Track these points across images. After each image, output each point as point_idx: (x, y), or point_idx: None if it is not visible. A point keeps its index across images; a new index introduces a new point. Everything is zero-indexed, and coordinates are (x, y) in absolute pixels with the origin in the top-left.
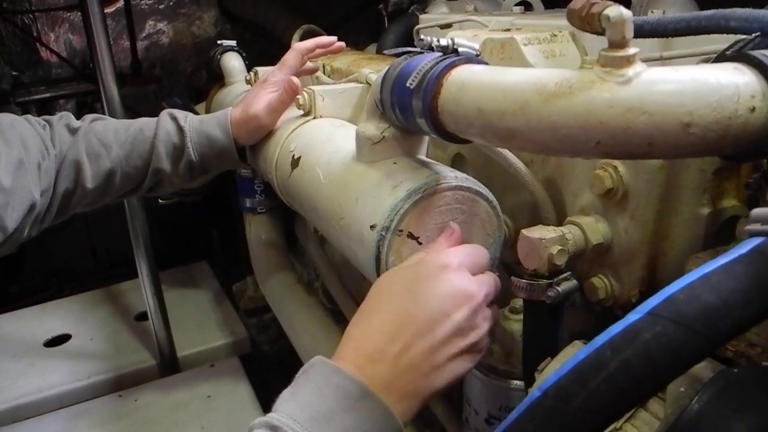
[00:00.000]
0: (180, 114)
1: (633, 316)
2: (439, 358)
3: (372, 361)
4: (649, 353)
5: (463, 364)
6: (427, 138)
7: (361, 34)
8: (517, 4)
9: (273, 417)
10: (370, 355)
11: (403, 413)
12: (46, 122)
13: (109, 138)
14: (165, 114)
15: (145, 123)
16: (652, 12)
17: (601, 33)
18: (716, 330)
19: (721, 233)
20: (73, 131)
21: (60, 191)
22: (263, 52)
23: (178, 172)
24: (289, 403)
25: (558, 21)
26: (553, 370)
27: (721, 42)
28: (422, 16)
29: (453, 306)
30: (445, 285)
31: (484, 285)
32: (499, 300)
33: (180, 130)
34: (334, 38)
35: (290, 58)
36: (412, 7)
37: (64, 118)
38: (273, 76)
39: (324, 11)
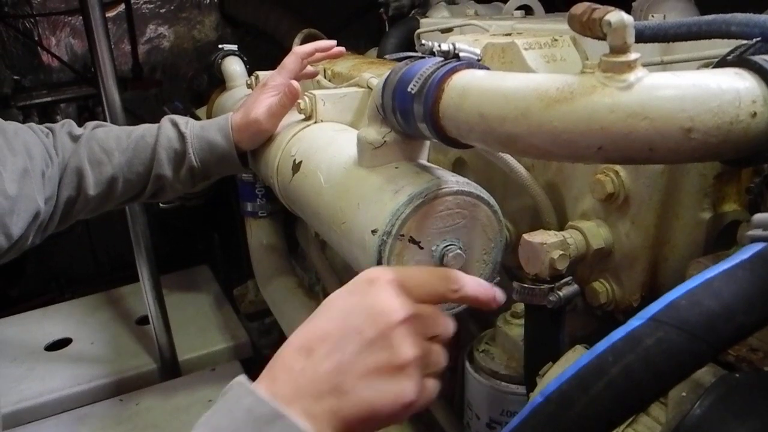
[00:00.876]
0: (181, 120)
1: (635, 322)
2: (352, 374)
3: (280, 379)
4: (651, 359)
5: (382, 387)
6: (428, 143)
7: (361, 38)
8: (517, 9)
9: None
10: (278, 373)
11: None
12: (49, 130)
13: (110, 145)
14: (166, 120)
15: (146, 129)
16: (653, 16)
17: (603, 38)
18: (718, 336)
19: (722, 238)
20: (74, 138)
21: (63, 199)
22: (264, 56)
23: (180, 178)
24: (201, 428)
25: (559, 25)
26: (554, 375)
27: (721, 46)
28: (423, 20)
29: (366, 322)
30: (362, 300)
31: (412, 308)
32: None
33: (181, 136)
34: (333, 42)
35: (290, 61)
36: (413, 12)
37: (66, 125)
38: (272, 80)
39: (325, 15)
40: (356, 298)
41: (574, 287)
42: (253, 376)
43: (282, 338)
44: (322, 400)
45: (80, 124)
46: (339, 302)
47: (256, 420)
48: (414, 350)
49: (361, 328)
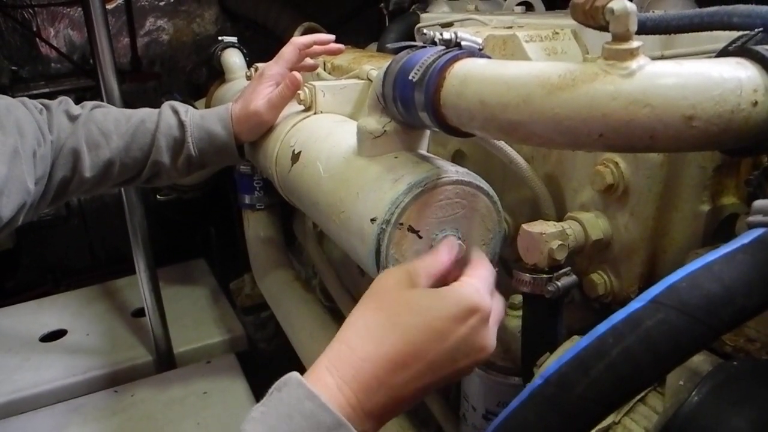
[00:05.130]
0: (181, 107)
1: (635, 304)
2: (426, 391)
3: (370, 391)
4: (651, 341)
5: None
6: (428, 132)
7: (361, 33)
8: (518, 4)
9: None
10: (369, 384)
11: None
12: (44, 107)
13: (109, 128)
14: (166, 106)
15: (146, 114)
16: (654, 12)
17: (605, 27)
18: (718, 318)
19: (720, 230)
20: (72, 118)
21: (57, 179)
22: (263, 50)
23: (177, 165)
24: (257, 424)
25: (559, 20)
26: (551, 363)
27: (722, 41)
28: (423, 15)
29: (465, 356)
30: (467, 333)
31: (494, 335)
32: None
33: (181, 124)
34: (332, 36)
35: (287, 51)
36: (413, 6)
37: (63, 103)
38: (269, 70)
39: (325, 10)
40: (461, 330)
41: (573, 278)
42: (248, 369)
43: (278, 332)
44: (397, 409)
45: None
46: (440, 325)
47: (319, 427)
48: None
49: (458, 360)
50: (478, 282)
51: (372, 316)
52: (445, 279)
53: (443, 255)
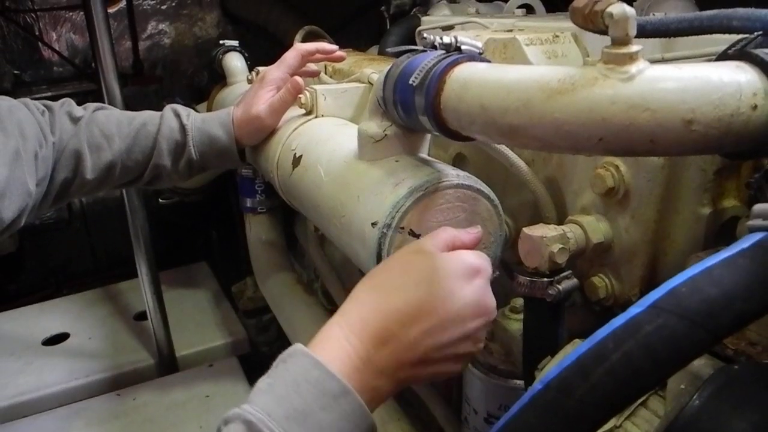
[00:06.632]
0: (183, 111)
1: (635, 309)
2: (438, 355)
3: (378, 342)
4: (651, 346)
5: (452, 366)
6: (429, 136)
7: (362, 36)
8: (518, 7)
9: (248, 411)
10: (378, 335)
11: (382, 396)
12: (46, 108)
13: (111, 130)
14: (168, 110)
15: (148, 117)
16: (654, 14)
17: (604, 31)
18: (718, 323)
19: (721, 233)
20: (74, 120)
21: (59, 180)
22: (265, 53)
23: (178, 169)
24: (265, 395)
25: (560, 23)
26: (551, 368)
27: (722, 44)
28: (424, 18)
29: (473, 315)
30: (476, 291)
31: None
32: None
33: (182, 127)
34: (335, 46)
35: (290, 56)
36: (414, 10)
37: (65, 105)
38: (270, 74)
39: (326, 13)
40: (464, 285)
41: (574, 281)
42: (250, 373)
43: (280, 334)
44: (409, 369)
45: None
46: (448, 283)
47: (325, 394)
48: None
49: (467, 318)
50: (480, 253)
51: (382, 275)
52: None
53: (465, 232)
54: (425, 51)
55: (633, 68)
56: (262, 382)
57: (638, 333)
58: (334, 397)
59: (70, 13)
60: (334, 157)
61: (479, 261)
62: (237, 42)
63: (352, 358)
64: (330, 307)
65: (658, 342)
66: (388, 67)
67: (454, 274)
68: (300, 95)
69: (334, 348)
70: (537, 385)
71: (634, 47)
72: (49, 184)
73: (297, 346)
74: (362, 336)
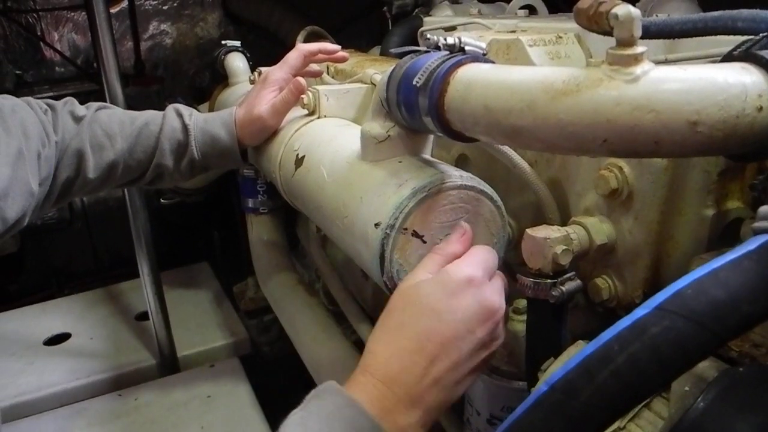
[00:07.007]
0: (185, 111)
1: (641, 311)
2: (461, 372)
3: (399, 380)
4: (657, 348)
5: (478, 374)
6: (432, 137)
7: (364, 36)
8: (521, 8)
9: None
10: (397, 374)
11: (423, 426)
12: (49, 107)
13: (113, 129)
14: (170, 109)
15: (150, 117)
16: (657, 15)
17: (609, 32)
18: (724, 325)
19: (725, 235)
20: (77, 119)
21: (61, 179)
22: (266, 54)
23: (180, 168)
24: (298, 428)
25: (562, 24)
26: (555, 370)
27: (725, 45)
28: (426, 19)
29: (478, 323)
30: (471, 301)
31: (502, 292)
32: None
33: (185, 127)
34: (338, 47)
35: (292, 57)
36: (416, 10)
37: (68, 104)
38: (273, 75)
39: (327, 14)
40: (460, 299)
41: (577, 282)
42: (252, 373)
43: (282, 335)
44: (441, 395)
45: None
46: (444, 304)
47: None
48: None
49: (474, 328)
50: (469, 258)
51: (386, 320)
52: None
53: (452, 241)
54: (428, 52)
55: (638, 69)
56: (296, 415)
57: (644, 335)
58: None
59: (72, 13)
60: (337, 158)
61: (467, 271)
62: (239, 42)
63: (381, 400)
64: (331, 307)
65: (663, 344)
66: (391, 67)
67: (449, 291)
68: (302, 96)
69: (364, 391)
70: (542, 386)
71: (639, 48)
72: (51, 184)
73: (331, 383)
74: (385, 380)
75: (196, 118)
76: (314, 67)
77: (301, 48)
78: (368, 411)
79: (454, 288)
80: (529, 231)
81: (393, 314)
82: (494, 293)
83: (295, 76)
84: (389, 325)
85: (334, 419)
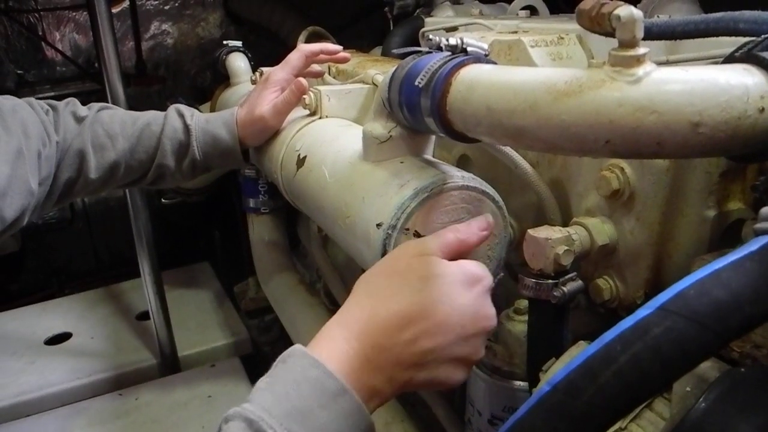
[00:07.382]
0: (187, 111)
1: (643, 311)
2: (434, 357)
3: (377, 343)
4: (659, 348)
5: (450, 372)
6: (434, 138)
7: (365, 37)
8: (522, 9)
9: (248, 409)
10: (377, 337)
11: (380, 397)
12: (51, 107)
13: (115, 130)
14: (172, 110)
15: (152, 117)
16: (658, 17)
17: (611, 33)
18: (726, 326)
19: (726, 236)
20: (79, 120)
21: (62, 179)
22: (268, 54)
23: (181, 169)
24: (264, 394)
25: (564, 24)
26: (557, 371)
27: (727, 46)
28: (428, 20)
29: (471, 321)
30: (473, 299)
31: (495, 315)
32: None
33: (186, 128)
34: (339, 47)
35: (294, 58)
36: (417, 11)
37: (70, 104)
38: (275, 75)
39: (329, 14)
40: (465, 292)
41: (579, 283)
42: (253, 373)
43: (282, 335)
44: (406, 370)
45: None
46: (447, 289)
47: (324, 393)
48: (481, 355)
49: (465, 323)
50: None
51: (382, 278)
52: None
53: (459, 232)
54: (430, 52)
55: (640, 70)
56: (262, 381)
57: (646, 335)
58: (332, 396)
59: (74, 13)
60: (339, 158)
61: (480, 271)
62: (240, 42)
63: (351, 359)
64: (332, 307)
65: (666, 344)
66: (392, 68)
67: (454, 280)
68: (304, 96)
69: (333, 348)
70: (544, 386)
71: (641, 50)
72: (52, 184)
73: (296, 347)
74: (361, 338)
75: (198, 119)
76: (316, 67)
77: (303, 48)
78: (334, 372)
79: (465, 279)
80: (530, 231)
81: (394, 276)
82: (492, 308)
83: (296, 76)
84: (386, 286)
85: (300, 381)
